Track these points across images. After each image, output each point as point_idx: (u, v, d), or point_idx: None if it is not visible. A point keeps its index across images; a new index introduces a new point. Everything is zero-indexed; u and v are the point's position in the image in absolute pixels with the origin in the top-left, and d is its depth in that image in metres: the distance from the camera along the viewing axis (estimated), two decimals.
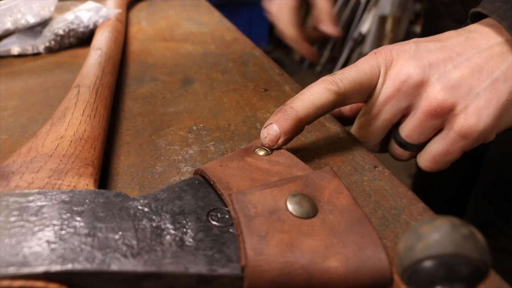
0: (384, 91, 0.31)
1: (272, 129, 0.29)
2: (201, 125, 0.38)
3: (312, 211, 0.22)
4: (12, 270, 0.18)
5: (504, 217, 0.55)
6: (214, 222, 0.22)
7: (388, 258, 0.20)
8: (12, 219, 0.20)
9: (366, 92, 0.32)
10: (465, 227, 0.17)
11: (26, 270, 0.18)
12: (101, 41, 0.53)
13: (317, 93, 0.30)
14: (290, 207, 0.22)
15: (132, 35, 0.68)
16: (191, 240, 0.21)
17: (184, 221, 0.22)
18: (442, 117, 0.30)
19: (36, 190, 0.22)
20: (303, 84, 0.50)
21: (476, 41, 0.31)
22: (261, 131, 0.30)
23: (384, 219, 0.26)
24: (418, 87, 0.30)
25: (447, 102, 0.30)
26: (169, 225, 0.21)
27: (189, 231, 0.21)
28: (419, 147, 0.33)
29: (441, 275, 0.16)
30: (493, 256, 0.17)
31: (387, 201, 0.28)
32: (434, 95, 0.30)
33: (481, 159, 0.62)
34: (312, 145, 0.35)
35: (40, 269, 0.18)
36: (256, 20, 2.75)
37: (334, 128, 0.37)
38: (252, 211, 0.22)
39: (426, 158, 0.33)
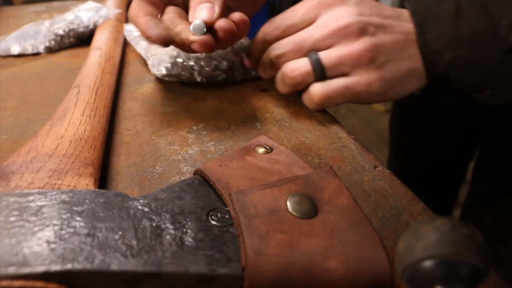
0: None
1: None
2: (201, 125, 0.38)
3: (312, 211, 0.22)
4: (12, 270, 0.18)
5: (503, 227, 0.54)
6: (214, 222, 0.22)
7: (388, 258, 0.20)
8: (12, 219, 0.20)
9: None
10: (465, 227, 0.17)
11: (26, 270, 0.18)
12: (101, 41, 0.53)
13: None
14: (290, 207, 0.22)
15: None
16: (191, 240, 0.21)
17: (184, 221, 0.22)
18: (358, 62, 0.36)
19: (36, 190, 0.22)
20: None
21: (403, 21, 0.37)
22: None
23: (384, 219, 0.26)
24: (358, 34, 0.36)
25: (367, 55, 0.35)
26: (169, 225, 0.21)
27: (189, 231, 0.21)
28: (323, 75, 0.37)
29: (441, 275, 0.16)
30: (494, 267, 0.17)
31: (387, 201, 0.28)
32: (364, 45, 0.36)
33: (467, 164, 0.62)
34: (312, 145, 0.35)
35: (40, 269, 0.18)
36: (255, 20, 2.74)
37: (334, 128, 0.37)
38: (252, 211, 0.22)
39: (319, 90, 0.37)
